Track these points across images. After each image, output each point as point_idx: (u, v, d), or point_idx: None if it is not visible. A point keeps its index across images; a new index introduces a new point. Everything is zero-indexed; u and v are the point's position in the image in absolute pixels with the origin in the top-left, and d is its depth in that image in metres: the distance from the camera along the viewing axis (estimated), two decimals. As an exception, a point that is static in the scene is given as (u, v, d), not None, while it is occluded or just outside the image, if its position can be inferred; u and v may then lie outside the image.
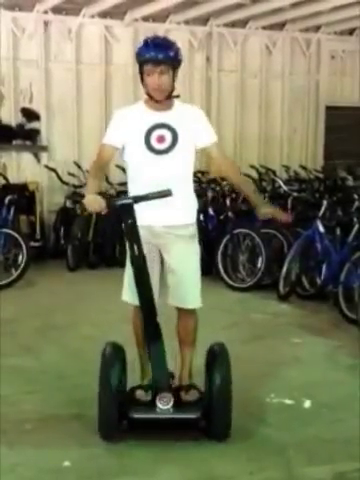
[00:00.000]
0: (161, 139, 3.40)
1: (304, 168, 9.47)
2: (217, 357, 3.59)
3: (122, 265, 8.22)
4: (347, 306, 5.79)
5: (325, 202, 6.55)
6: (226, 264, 7.16)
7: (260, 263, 6.82)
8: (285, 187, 7.49)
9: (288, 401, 4.06)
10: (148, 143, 3.41)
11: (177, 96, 3.50)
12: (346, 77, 10.42)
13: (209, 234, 7.51)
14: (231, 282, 7.08)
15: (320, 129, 10.29)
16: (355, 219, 6.35)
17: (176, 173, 3.46)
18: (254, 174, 8.64)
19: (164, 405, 3.34)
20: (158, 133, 3.40)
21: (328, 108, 10.23)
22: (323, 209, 6.49)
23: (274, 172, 8.90)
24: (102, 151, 3.50)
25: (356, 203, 6.75)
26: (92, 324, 5.59)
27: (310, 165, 9.79)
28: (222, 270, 7.11)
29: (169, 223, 3.47)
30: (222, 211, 7.57)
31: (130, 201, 3.24)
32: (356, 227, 6.28)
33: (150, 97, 3.43)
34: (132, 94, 8.55)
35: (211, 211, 7.69)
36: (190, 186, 3.58)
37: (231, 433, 3.48)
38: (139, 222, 3.26)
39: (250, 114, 9.83)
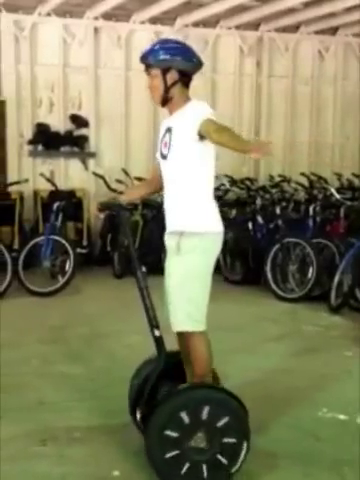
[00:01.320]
0: (166, 144, 3.29)
1: (357, 176, 9.34)
2: None
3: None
4: None
5: (379, 211, 6.45)
6: (275, 274, 7.11)
7: (311, 273, 6.75)
8: (337, 195, 7.40)
9: (342, 416, 3.99)
10: (160, 149, 3.35)
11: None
12: None
13: (258, 243, 7.49)
14: (280, 292, 7.02)
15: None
16: None
17: (172, 177, 3.28)
18: (305, 182, 8.56)
19: None
20: (165, 138, 3.30)
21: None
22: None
23: (326, 180, 8.80)
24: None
25: None
26: (138, 332, 5.56)
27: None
28: (271, 280, 7.06)
29: (167, 229, 3.38)
30: (272, 219, 7.53)
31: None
32: None
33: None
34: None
35: (260, 219, 7.66)
36: (190, 191, 3.19)
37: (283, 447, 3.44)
38: None
39: (301, 121, 9.79)
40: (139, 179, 8.31)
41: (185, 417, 3.02)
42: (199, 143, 3.11)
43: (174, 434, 3.02)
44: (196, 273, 3.18)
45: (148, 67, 3.27)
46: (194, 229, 3.17)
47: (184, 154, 3.17)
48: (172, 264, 3.25)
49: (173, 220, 3.29)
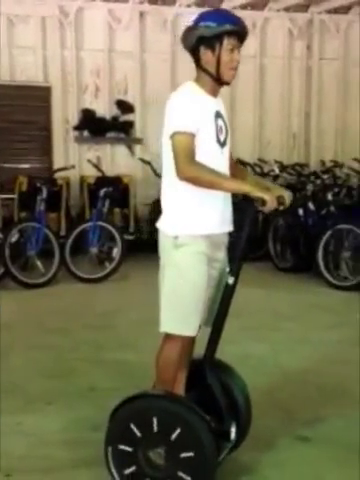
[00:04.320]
0: (221, 129, 2.99)
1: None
2: None
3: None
4: None
5: None
6: (327, 261, 6.97)
7: (365, 261, 6.61)
8: (391, 181, 7.23)
9: None
10: (216, 135, 2.96)
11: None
12: None
13: (309, 230, 7.37)
14: (333, 280, 6.89)
15: None
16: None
17: (227, 168, 3.05)
18: (358, 167, 8.37)
19: None
20: (219, 123, 2.97)
21: None
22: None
23: (379, 166, 8.60)
24: (189, 141, 2.83)
25: None
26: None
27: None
28: (323, 267, 6.93)
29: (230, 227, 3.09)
30: (323, 206, 7.39)
31: None
32: None
33: (217, 80, 2.93)
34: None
35: (311, 206, 7.52)
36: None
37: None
38: None
39: (353, 104, 9.52)
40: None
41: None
42: None
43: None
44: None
45: (243, 38, 2.92)
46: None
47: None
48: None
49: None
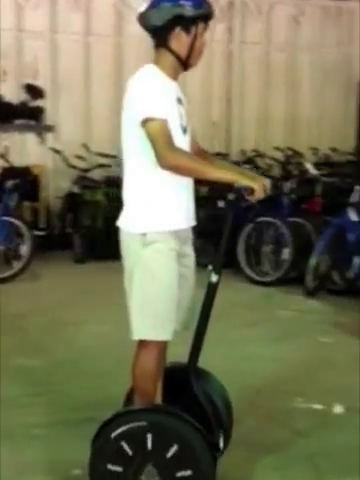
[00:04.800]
0: (182, 116, 2.99)
1: (334, 150, 9.44)
2: None
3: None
4: (382, 303, 5.80)
5: (358, 188, 6.53)
6: (249, 256, 7.17)
7: (286, 255, 6.84)
8: (314, 171, 7.47)
9: (317, 406, 4.08)
10: (180, 122, 2.95)
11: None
12: (382, 50, 10.34)
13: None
14: (254, 275, 7.10)
15: (352, 107, 10.23)
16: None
17: None
18: (280, 157, 8.62)
19: None
20: (180, 110, 2.97)
21: (362, 84, 10.18)
22: (356, 195, 6.49)
23: (301, 155, 8.88)
24: (166, 127, 2.81)
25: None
26: (102, 321, 5.63)
27: (341, 147, 9.75)
28: (244, 262, 7.13)
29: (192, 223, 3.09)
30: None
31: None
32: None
33: (183, 63, 2.97)
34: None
35: (231, 197, 7.67)
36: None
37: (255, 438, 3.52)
38: None
39: (276, 91, 9.78)
40: (103, 155, 8.32)
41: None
42: None
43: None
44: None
45: (209, 19, 2.96)
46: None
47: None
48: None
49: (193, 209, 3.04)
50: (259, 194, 2.81)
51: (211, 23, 9.20)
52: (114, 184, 7.93)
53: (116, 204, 8.06)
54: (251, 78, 9.69)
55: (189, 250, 3.09)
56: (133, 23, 9.73)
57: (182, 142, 2.92)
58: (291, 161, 8.79)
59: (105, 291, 6.59)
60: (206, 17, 2.93)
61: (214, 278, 2.92)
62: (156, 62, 2.97)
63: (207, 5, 2.94)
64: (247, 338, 5.33)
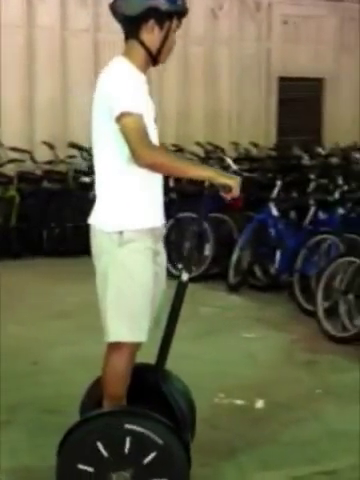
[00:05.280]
0: (153, 109, 3.01)
1: (255, 145, 9.57)
2: None
3: (49, 254, 8.06)
4: (303, 297, 5.90)
5: (279, 183, 6.63)
6: (169, 252, 7.13)
7: (207, 251, 6.87)
8: (234, 166, 7.55)
9: (239, 401, 4.13)
10: (153, 114, 2.96)
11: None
12: (300, 45, 10.55)
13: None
14: (175, 272, 7.05)
15: (272, 102, 10.40)
16: (311, 201, 6.46)
17: None
18: (200, 152, 8.67)
19: None
20: (150, 103, 2.98)
21: (281, 79, 10.36)
22: (276, 190, 6.59)
23: (222, 150, 8.96)
24: (143, 123, 2.77)
25: (312, 184, 6.86)
26: (18, 322, 5.52)
27: (262, 142, 9.91)
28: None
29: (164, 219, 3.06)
30: (164, 193, 7.55)
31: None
32: (312, 210, 6.40)
33: (154, 59, 2.95)
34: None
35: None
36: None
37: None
38: None
39: (195, 85, 9.84)
40: (16, 150, 8.16)
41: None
42: None
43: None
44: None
45: (183, 16, 2.96)
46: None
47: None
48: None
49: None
50: (236, 191, 2.83)
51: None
52: (27, 179, 7.82)
53: (30, 200, 8.05)
54: (169, 72, 9.66)
55: (162, 248, 3.08)
56: (43, 14, 9.44)
57: (154, 135, 2.90)
58: (212, 156, 8.85)
59: (19, 290, 6.47)
60: (181, 14, 2.93)
61: (185, 276, 2.94)
62: (126, 55, 2.93)
63: (182, 2, 2.93)
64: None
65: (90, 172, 8.04)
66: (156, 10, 2.84)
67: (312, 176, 6.95)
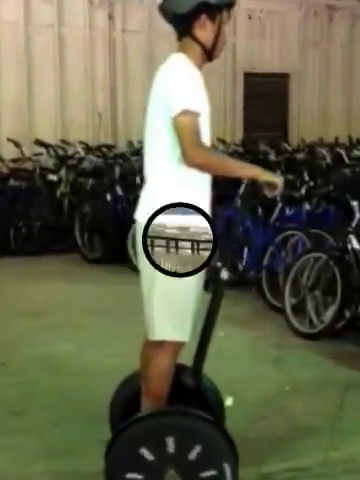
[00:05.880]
0: None
1: (223, 142, 9.59)
2: None
3: (16, 253, 7.98)
4: (271, 293, 5.95)
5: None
6: (135, 251, 7.14)
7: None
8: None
9: (209, 399, 4.14)
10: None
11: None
12: (266, 40, 10.60)
13: (118, 216, 7.50)
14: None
15: (238, 98, 10.44)
16: (278, 197, 6.49)
17: None
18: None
19: None
20: None
21: (247, 75, 10.40)
22: (243, 187, 6.61)
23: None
24: (197, 123, 2.78)
25: (279, 180, 6.88)
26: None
27: (228, 138, 9.94)
28: (134, 257, 7.10)
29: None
30: (132, 190, 7.55)
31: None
32: (279, 206, 6.44)
33: (208, 54, 2.95)
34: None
35: (119, 190, 7.68)
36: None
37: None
38: None
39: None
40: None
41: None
42: None
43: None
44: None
45: (231, 7, 2.94)
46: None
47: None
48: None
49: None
50: (280, 190, 2.89)
51: (91, 10, 9.07)
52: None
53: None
54: (136, 67, 9.69)
55: None
56: (7, 9, 9.30)
57: (207, 133, 2.88)
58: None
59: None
60: (230, 5, 2.93)
61: (225, 275, 2.96)
62: (184, 51, 2.91)
63: None
64: (139, 334, 5.31)
65: (57, 170, 8.03)
66: (206, 4, 2.83)
67: (278, 172, 6.99)
